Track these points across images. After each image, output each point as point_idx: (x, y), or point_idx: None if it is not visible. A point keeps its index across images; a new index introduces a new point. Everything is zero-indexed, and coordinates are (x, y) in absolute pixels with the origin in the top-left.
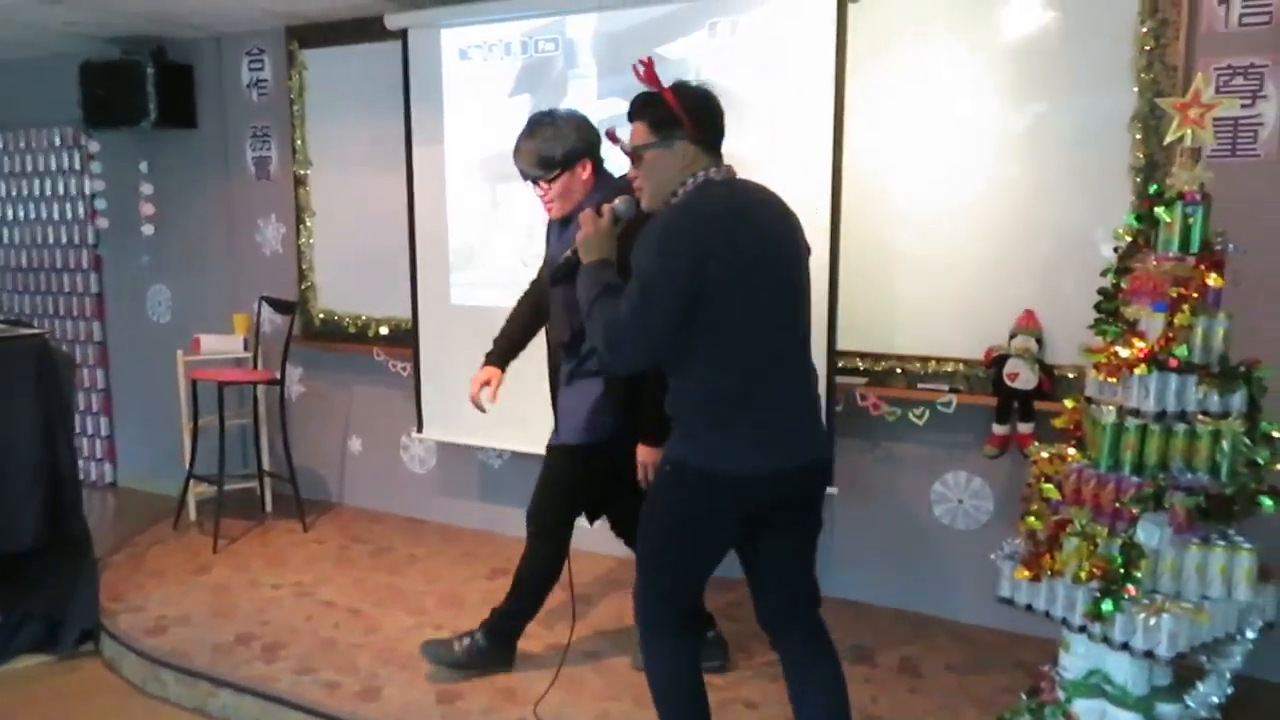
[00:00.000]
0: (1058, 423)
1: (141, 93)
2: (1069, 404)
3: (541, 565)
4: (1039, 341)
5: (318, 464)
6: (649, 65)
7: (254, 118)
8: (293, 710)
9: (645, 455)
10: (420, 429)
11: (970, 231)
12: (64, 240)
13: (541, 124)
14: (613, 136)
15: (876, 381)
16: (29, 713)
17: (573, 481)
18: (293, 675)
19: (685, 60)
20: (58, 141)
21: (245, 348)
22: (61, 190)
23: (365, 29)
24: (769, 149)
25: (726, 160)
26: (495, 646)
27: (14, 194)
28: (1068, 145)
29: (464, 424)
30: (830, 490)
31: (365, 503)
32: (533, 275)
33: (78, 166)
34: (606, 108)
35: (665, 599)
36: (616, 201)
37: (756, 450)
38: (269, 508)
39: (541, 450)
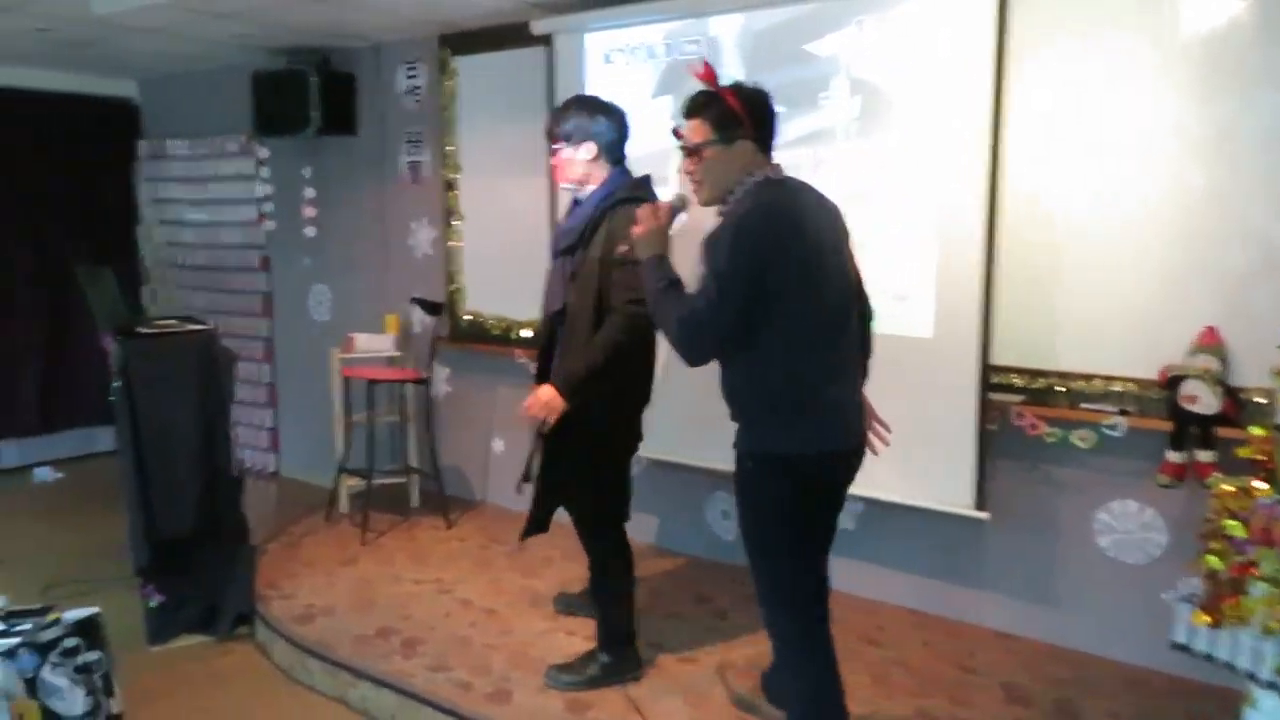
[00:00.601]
0: (1243, 452)
1: (306, 101)
2: (1257, 432)
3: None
4: (1222, 362)
5: (462, 462)
6: (708, 66)
7: (409, 124)
8: (426, 707)
9: (546, 395)
10: None
11: (1144, 241)
12: (237, 242)
13: (577, 98)
14: (678, 134)
15: (1035, 399)
16: (184, 691)
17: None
18: (428, 672)
19: (834, 57)
20: (233, 149)
21: (396, 347)
22: (235, 195)
23: (512, 35)
24: (921, 150)
25: (879, 158)
26: (619, 655)
27: (195, 198)
28: (1261, 147)
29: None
30: (979, 514)
31: (506, 502)
32: None
33: (250, 172)
34: None
35: (798, 604)
36: (672, 197)
37: (835, 430)
38: (415, 503)
39: (678, 459)
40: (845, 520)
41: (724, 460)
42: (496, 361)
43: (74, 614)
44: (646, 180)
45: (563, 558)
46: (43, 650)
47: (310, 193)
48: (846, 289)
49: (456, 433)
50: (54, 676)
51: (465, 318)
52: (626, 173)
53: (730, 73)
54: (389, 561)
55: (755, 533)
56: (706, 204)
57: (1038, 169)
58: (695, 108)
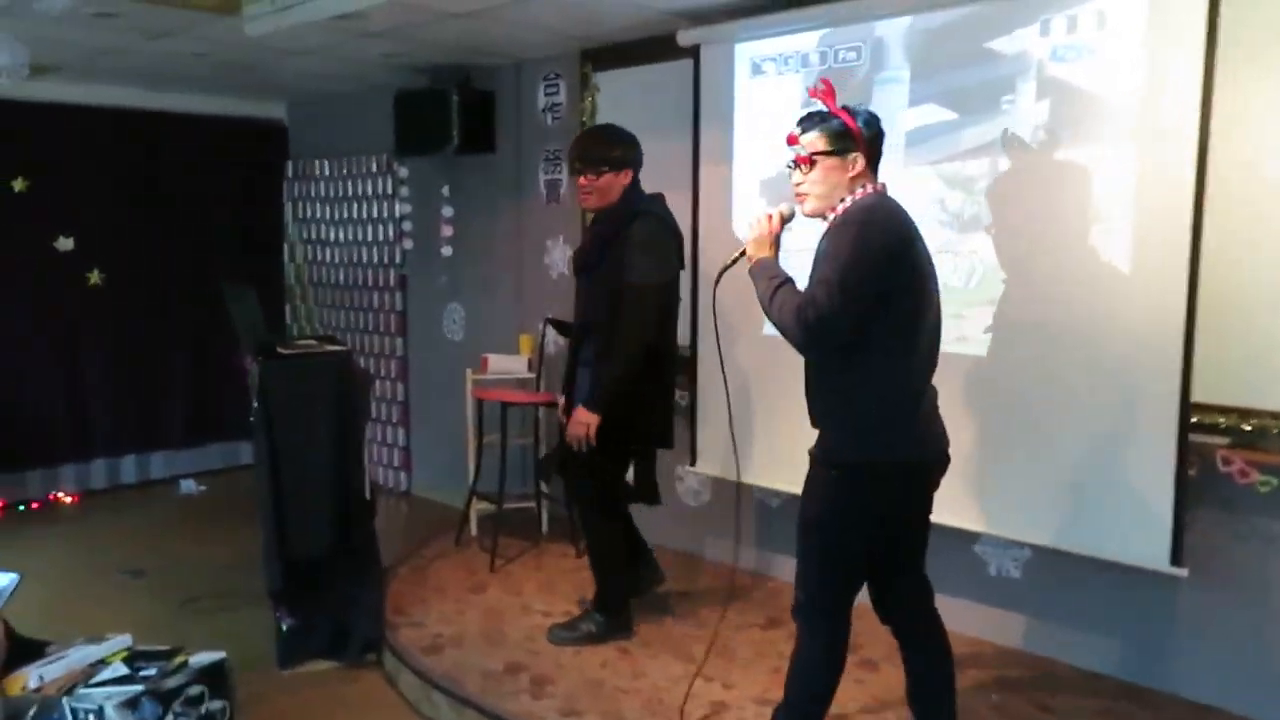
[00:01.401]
0: None
1: (446, 120)
2: None
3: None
4: None
5: None
6: (828, 85)
7: (547, 141)
8: None
9: (584, 418)
10: (694, 461)
11: None
12: (375, 260)
13: (609, 129)
14: (793, 140)
15: (1244, 443)
16: (307, 718)
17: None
18: (558, 716)
19: (1021, 55)
20: (374, 168)
21: (529, 368)
22: (375, 214)
23: (656, 48)
24: (1114, 160)
25: (1068, 169)
26: (613, 618)
27: (336, 217)
28: None
29: (742, 460)
30: (1177, 570)
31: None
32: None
33: (389, 191)
34: (918, 117)
35: (841, 611)
36: (782, 206)
37: (929, 439)
38: (545, 529)
39: None
40: (1009, 566)
41: None
42: None
43: (200, 659)
44: (660, 197)
45: (699, 594)
46: (166, 699)
47: (447, 211)
48: (939, 308)
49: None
50: None
51: None
52: (642, 190)
53: (896, 75)
54: (518, 590)
55: (818, 536)
56: (811, 214)
57: (1258, 183)
58: (813, 121)
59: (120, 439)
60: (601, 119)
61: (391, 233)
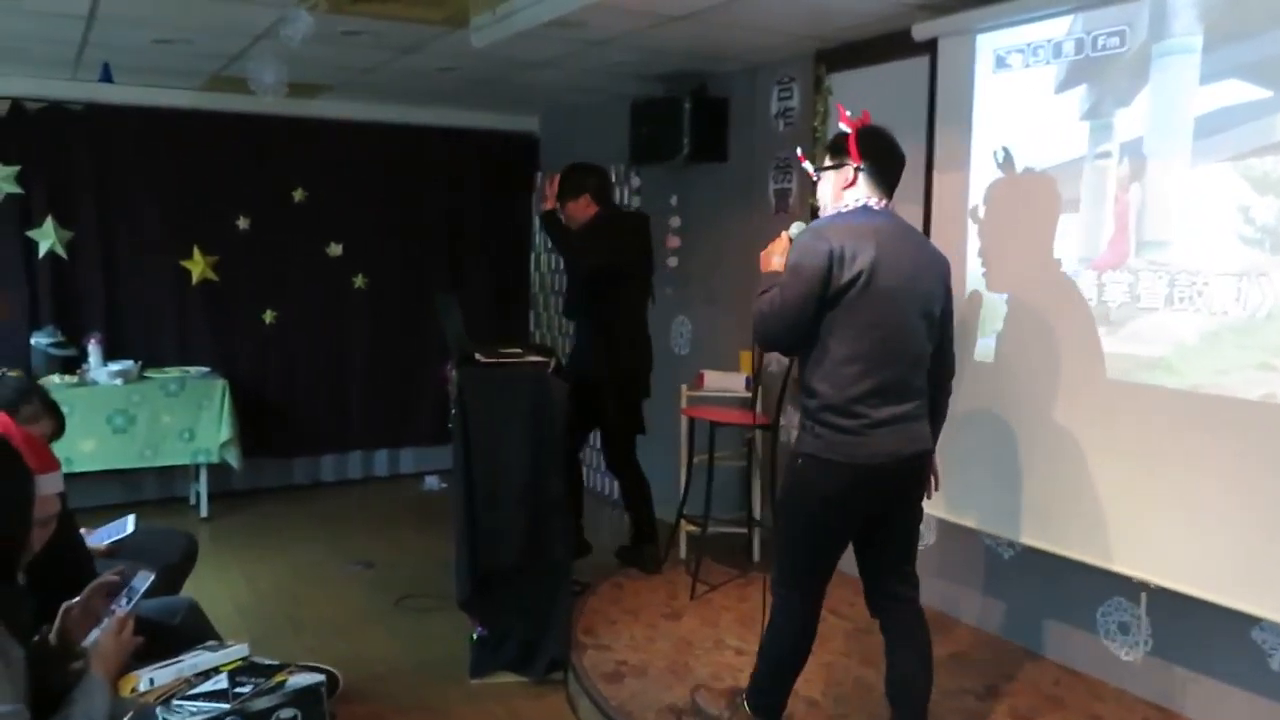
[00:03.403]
0: None
1: (678, 128)
2: None
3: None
4: None
5: None
6: (843, 114)
7: (778, 148)
8: None
9: None
10: None
11: None
12: None
13: (568, 169)
14: (801, 158)
15: None
16: None
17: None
18: None
19: None
20: (613, 178)
21: (747, 387)
22: None
23: (892, 46)
24: None
25: None
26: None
27: None
28: None
29: (970, 501)
30: None
31: (851, 569)
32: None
33: (625, 201)
34: (1213, 97)
35: (804, 585)
36: (791, 227)
37: (866, 446)
38: (756, 557)
39: (1062, 550)
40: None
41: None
42: None
43: (299, 680)
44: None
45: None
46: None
47: (675, 222)
48: (913, 325)
49: None
50: None
51: None
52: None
53: (1184, 44)
54: (714, 621)
55: (783, 517)
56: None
57: None
58: (827, 145)
59: (375, 433)
60: (834, 124)
61: None
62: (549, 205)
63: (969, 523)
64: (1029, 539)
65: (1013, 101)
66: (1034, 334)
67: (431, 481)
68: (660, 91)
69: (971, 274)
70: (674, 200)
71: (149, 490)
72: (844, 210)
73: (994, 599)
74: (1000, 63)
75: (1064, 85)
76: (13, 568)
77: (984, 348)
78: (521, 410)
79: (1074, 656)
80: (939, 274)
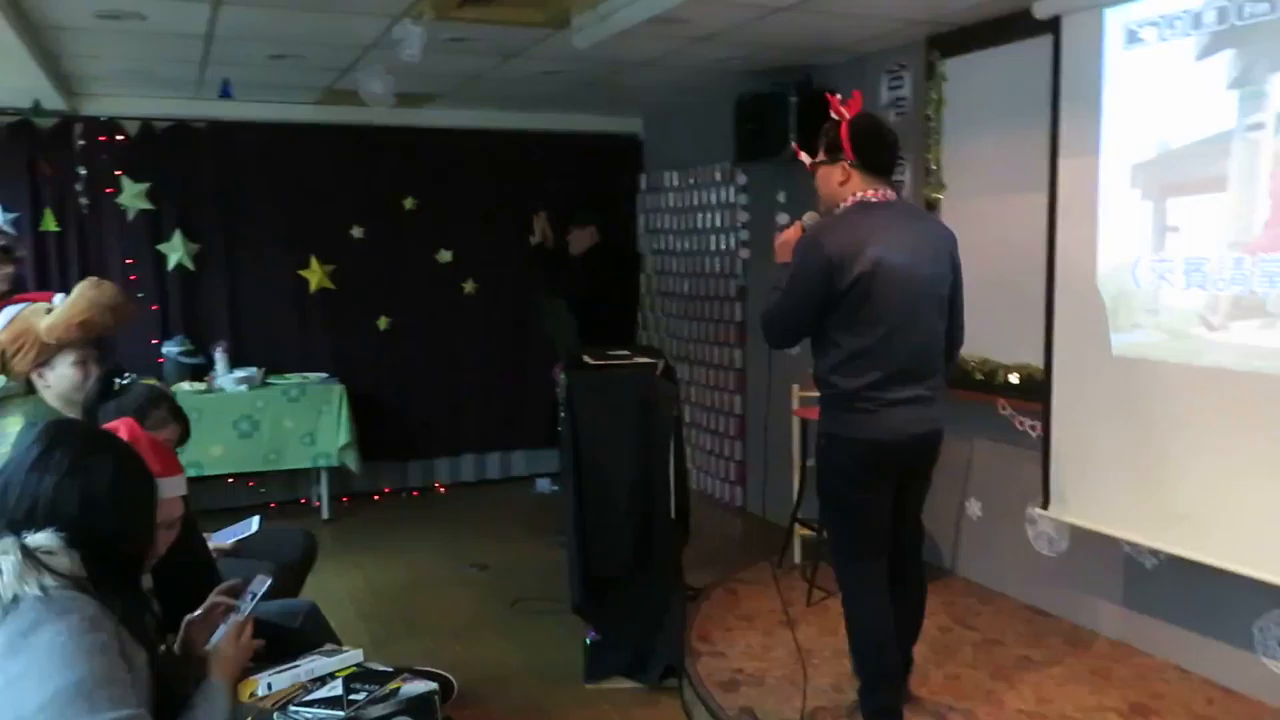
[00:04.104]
0: None
1: (784, 123)
2: None
3: None
4: None
5: (930, 523)
6: (833, 99)
7: None
8: None
9: None
10: (1045, 504)
11: None
12: (715, 270)
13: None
14: (797, 152)
15: None
16: None
17: None
18: None
19: None
20: (717, 177)
21: None
22: (717, 223)
23: (1010, 27)
24: None
25: None
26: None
27: (681, 227)
28: None
29: (1107, 507)
30: None
31: (980, 577)
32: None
33: (731, 200)
34: None
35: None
36: (805, 216)
37: (881, 423)
38: None
39: (1214, 560)
40: None
41: None
42: (976, 410)
43: (411, 689)
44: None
45: (1045, 661)
46: None
47: (783, 219)
48: (925, 307)
49: None
50: None
51: None
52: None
53: None
54: (833, 630)
55: (824, 495)
56: (824, 215)
57: None
58: (821, 134)
59: (487, 436)
60: (949, 111)
61: (732, 242)
62: None
63: (1107, 530)
64: (1175, 548)
65: (1147, 78)
66: (1179, 327)
67: (543, 484)
68: (764, 87)
69: (1103, 264)
70: (781, 197)
71: (274, 493)
72: (842, 208)
73: (1135, 611)
74: (1132, 38)
75: (1206, 53)
76: (137, 571)
77: (1122, 343)
78: (629, 413)
79: (1228, 674)
80: (946, 252)
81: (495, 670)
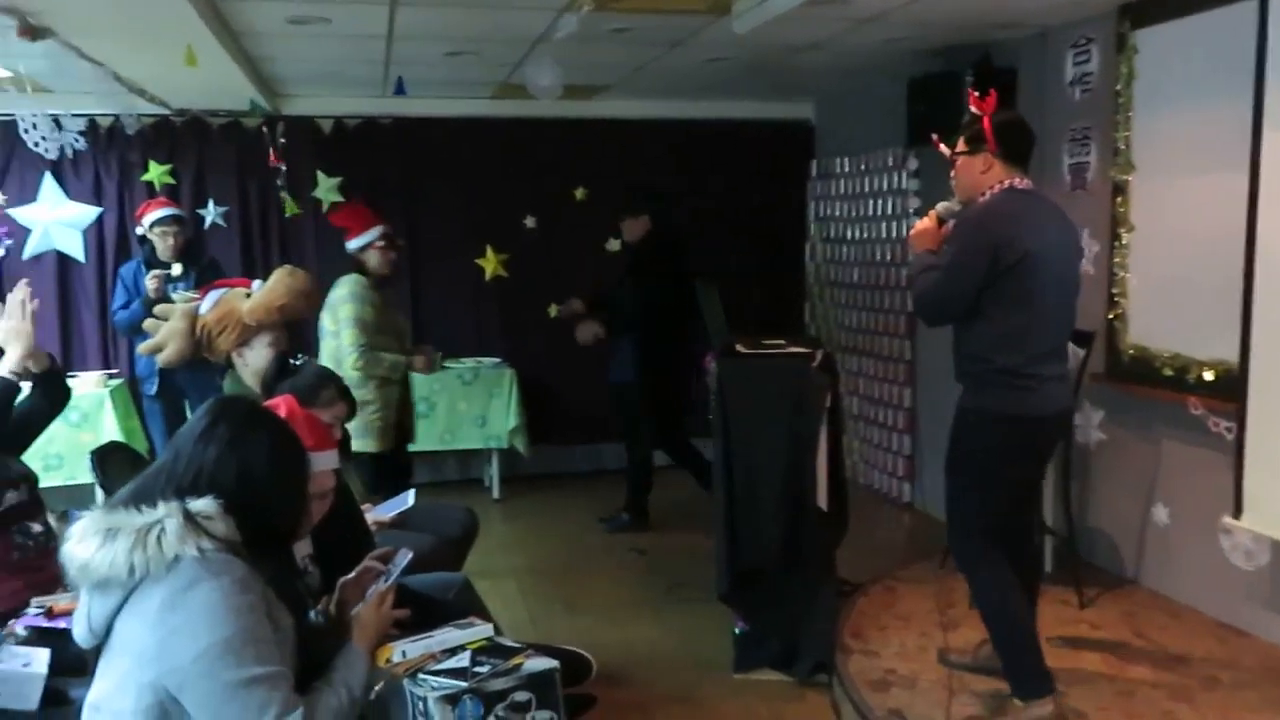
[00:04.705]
0: None
1: (960, 104)
2: None
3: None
4: None
5: (1112, 528)
6: (973, 97)
7: (1074, 119)
8: None
9: None
10: (1238, 514)
11: None
12: (885, 258)
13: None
14: (936, 143)
15: None
16: None
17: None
18: None
19: None
20: (889, 162)
21: None
22: (887, 210)
23: None
24: None
25: None
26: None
27: (852, 214)
28: None
29: None
30: None
31: (1165, 589)
32: None
33: (902, 186)
34: None
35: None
36: (939, 206)
37: (1035, 398)
38: (1048, 568)
39: None
40: None
41: None
42: (1164, 408)
43: (534, 665)
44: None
45: (1236, 684)
46: (489, 700)
47: (940, 207)
48: (1065, 291)
49: (1108, 491)
50: None
51: (1128, 352)
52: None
53: None
54: None
55: (967, 474)
56: (963, 204)
57: None
58: (960, 128)
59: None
60: (1141, 85)
61: (903, 230)
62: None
63: None
64: None
65: None
66: None
67: None
68: (939, 67)
69: None
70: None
71: (449, 472)
72: (992, 193)
73: None
74: None
75: None
76: (289, 539)
77: None
78: (778, 403)
79: None
80: (1075, 242)
81: (647, 653)
